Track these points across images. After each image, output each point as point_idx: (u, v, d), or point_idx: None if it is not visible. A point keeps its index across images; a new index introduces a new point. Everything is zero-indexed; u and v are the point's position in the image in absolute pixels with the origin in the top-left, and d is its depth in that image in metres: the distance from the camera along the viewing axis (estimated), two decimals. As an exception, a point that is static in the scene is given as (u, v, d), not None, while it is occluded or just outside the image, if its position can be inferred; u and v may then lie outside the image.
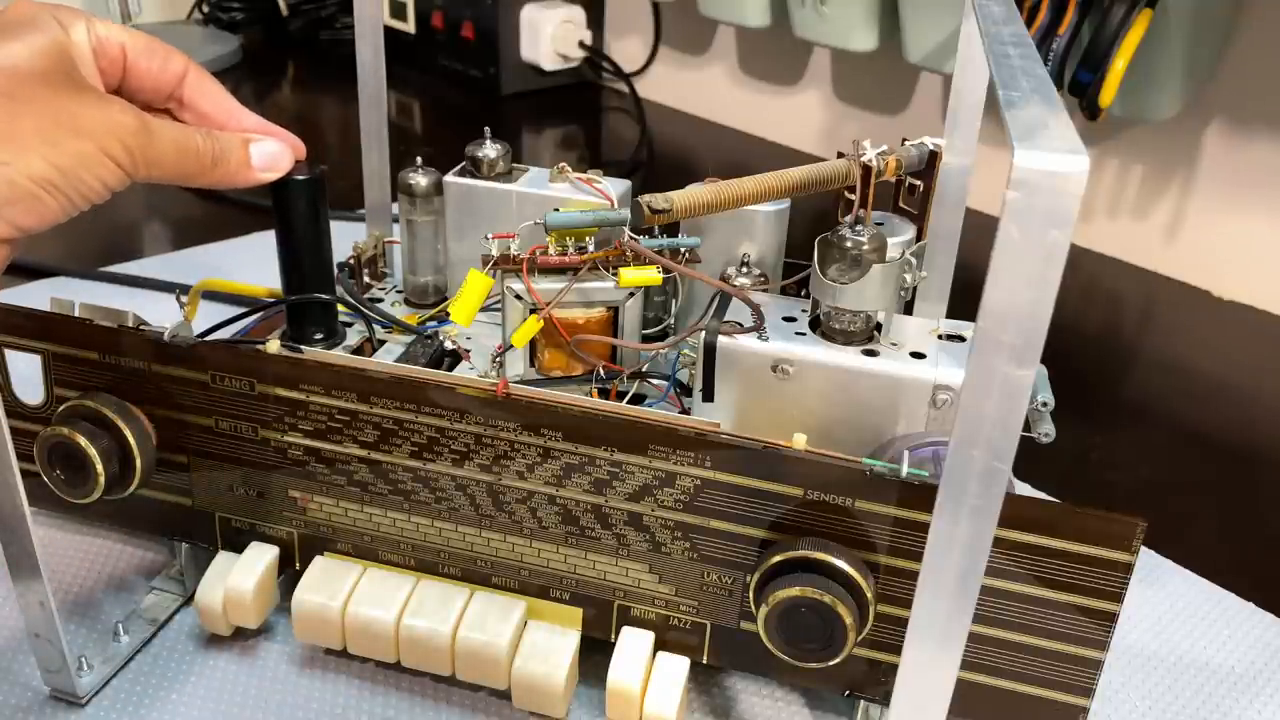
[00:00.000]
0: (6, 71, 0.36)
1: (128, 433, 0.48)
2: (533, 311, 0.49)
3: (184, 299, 0.55)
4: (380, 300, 0.62)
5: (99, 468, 0.46)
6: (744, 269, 0.54)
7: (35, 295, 0.78)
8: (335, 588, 0.48)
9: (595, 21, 1.34)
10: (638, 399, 0.51)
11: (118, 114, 0.38)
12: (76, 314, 0.49)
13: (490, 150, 0.58)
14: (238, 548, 0.51)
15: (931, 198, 0.52)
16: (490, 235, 0.49)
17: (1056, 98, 0.30)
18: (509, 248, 0.49)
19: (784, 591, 0.41)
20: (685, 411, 0.49)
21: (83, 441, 0.46)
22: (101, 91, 0.39)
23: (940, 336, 0.47)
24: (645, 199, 0.47)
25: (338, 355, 0.47)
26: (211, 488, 0.50)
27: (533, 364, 0.51)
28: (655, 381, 0.52)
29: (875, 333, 0.47)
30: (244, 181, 0.44)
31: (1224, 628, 0.55)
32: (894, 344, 0.46)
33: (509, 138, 0.64)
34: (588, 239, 0.50)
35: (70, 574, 0.55)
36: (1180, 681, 0.52)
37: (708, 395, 0.47)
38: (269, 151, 0.44)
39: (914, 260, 0.47)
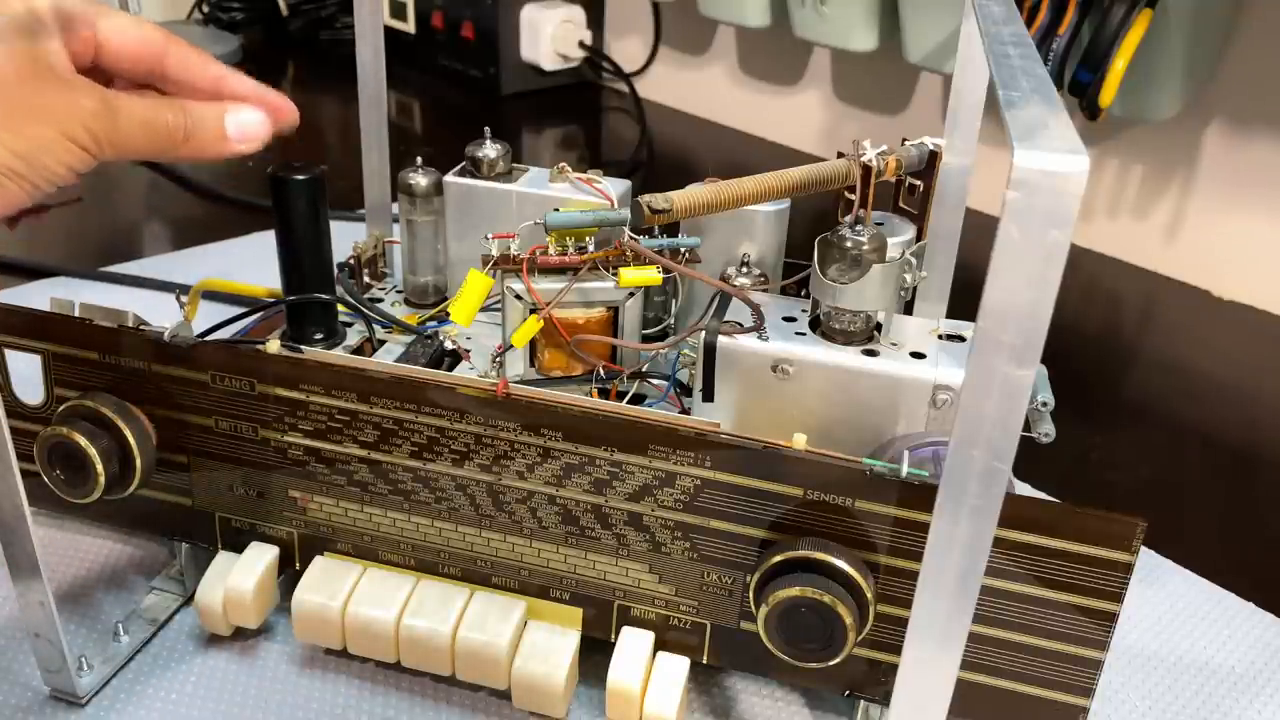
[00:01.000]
0: None
1: (128, 433, 0.48)
2: (533, 311, 0.49)
3: (184, 299, 0.55)
4: (380, 300, 0.62)
5: (99, 468, 0.46)
6: (744, 269, 0.54)
7: (35, 295, 0.78)
8: (335, 588, 0.48)
9: (595, 21, 1.34)
10: (638, 399, 0.51)
11: (81, 97, 0.37)
12: (76, 314, 0.49)
13: (490, 150, 0.58)
14: (238, 548, 0.51)
15: (931, 198, 0.52)
16: (490, 235, 0.49)
17: (1056, 98, 0.30)
18: (509, 248, 0.49)
19: (784, 591, 0.41)
20: (685, 411, 0.49)
21: (83, 441, 0.46)
22: (65, 73, 0.38)
23: (940, 336, 0.47)
24: (645, 199, 0.47)
25: (338, 355, 0.47)
26: (211, 488, 0.50)
27: (533, 364, 0.51)
28: (655, 381, 0.52)
29: (875, 333, 0.47)
30: (219, 154, 0.42)
31: (1224, 628, 0.55)
32: (894, 344, 0.46)
33: (509, 138, 0.64)
34: (588, 239, 0.50)
35: (70, 574, 0.55)
36: (1180, 681, 0.52)
37: (708, 395, 0.47)
38: (245, 121, 0.42)
39: (914, 260, 0.47)
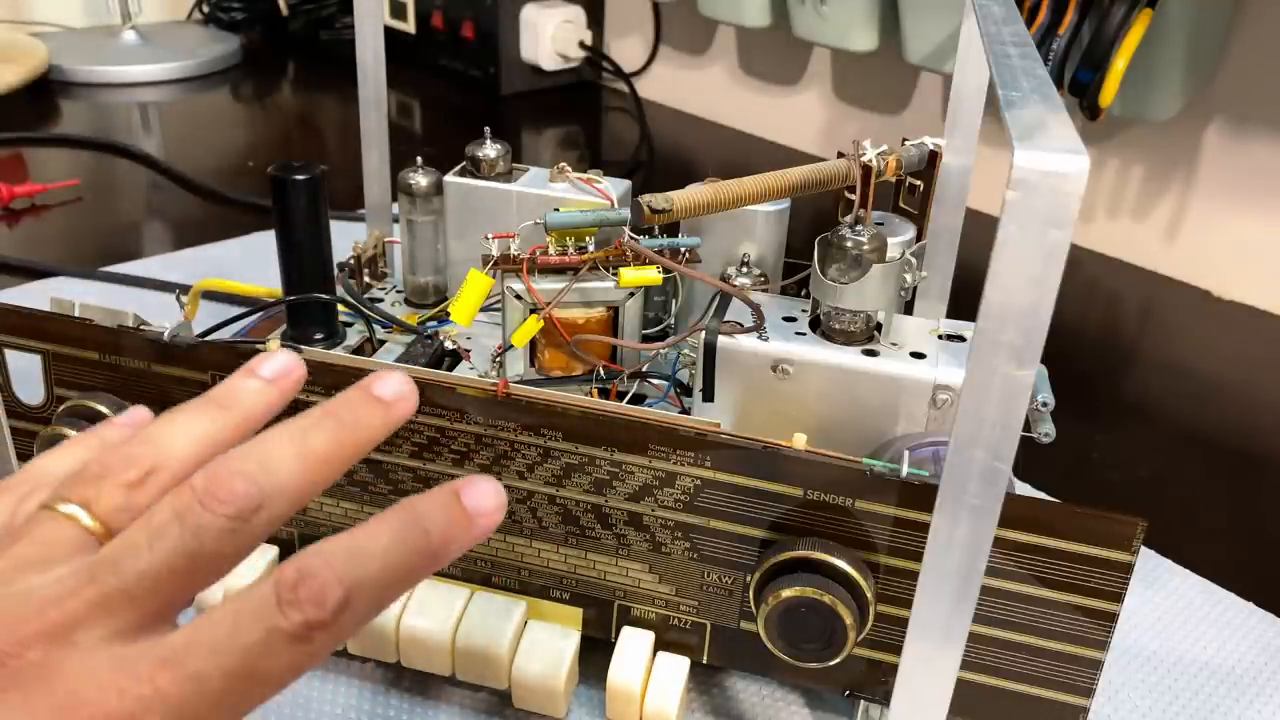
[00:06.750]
0: None
1: (128, 433, 0.48)
2: (533, 311, 0.49)
3: (184, 299, 0.55)
4: (380, 300, 0.62)
5: (99, 468, 0.46)
6: (744, 269, 0.54)
7: (35, 295, 0.78)
8: (335, 588, 0.48)
9: (595, 21, 1.34)
10: (638, 399, 0.51)
11: None
12: (76, 314, 0.49)
13: (490, 150, 0.58)
14: (238, 548, 0.51)
15: (931, 198, 0.52)
16: (490, 235, 0.49)
17: (1056, 98, 0.30)
18: (509, 248, 0.49)
19: (784, 591, 0.41)
20: (685, 411, 0.49)
21: (83, 441, 0.46)
22: None
23: (940, 336, 0.47)
24: (645, 199, 0.47)
25: (338, 355, 0.47)
26: (211, 488, 0.50)
27: (533, 364, 0.51)
28: (655, 381, 0.52)
29: (875, 333, 0.47)
30: None
31: (1224, 628, 0.55)
32: (894, 344, 0.46)
33: (509, 138, 0.64)
34: (588, 239, 0.50)
35: (70, 574, 0.55)
36: (1180, 681, 0.52)
37: (708, 395, 0.47)
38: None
39: (914, 260, 0.47)
